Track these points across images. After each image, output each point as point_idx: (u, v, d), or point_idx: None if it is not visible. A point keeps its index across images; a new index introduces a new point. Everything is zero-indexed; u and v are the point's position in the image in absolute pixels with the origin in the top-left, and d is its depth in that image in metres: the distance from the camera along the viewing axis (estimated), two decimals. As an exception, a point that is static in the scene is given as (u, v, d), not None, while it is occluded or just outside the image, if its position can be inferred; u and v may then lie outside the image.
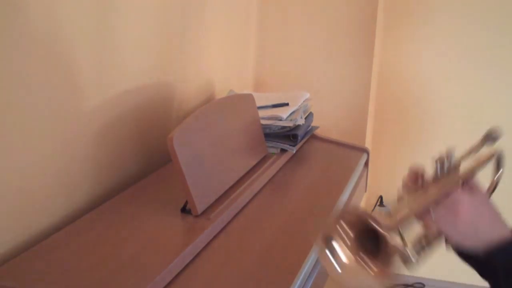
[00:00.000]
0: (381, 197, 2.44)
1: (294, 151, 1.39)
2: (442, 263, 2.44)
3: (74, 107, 0.97)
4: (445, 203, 0.77)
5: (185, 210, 0.98)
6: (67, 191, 0.97)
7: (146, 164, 1.22)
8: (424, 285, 2.49)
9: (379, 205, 2.44)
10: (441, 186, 0.78)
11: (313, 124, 1.57)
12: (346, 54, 1.96)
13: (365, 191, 1.58)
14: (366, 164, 1.55)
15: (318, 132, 1.60)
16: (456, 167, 0.82)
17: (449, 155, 0.82)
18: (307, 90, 1.64)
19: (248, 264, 0.87)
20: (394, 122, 2.32)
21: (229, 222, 1.00)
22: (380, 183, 2.40)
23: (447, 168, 0.81)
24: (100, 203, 1.01)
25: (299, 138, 1.40)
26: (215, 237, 0.94)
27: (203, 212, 0.97)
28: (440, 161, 0.81)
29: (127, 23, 1.11)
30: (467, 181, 0.82)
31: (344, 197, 1.24)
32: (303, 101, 1.53)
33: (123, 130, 1.13)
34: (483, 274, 0.76)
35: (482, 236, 0.75)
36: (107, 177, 1.09)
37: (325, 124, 1.72)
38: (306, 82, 1.99)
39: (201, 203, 0.97)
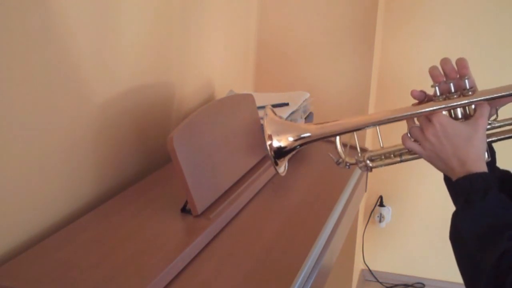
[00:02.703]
0: (381, 197, 2.44)
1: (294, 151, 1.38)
2: (442, 263, 2.44)
3: (74, 107, 0.97)
4: (422, 119, 0.83)
5: (185, 210, 0.98)
6: (67, 191, 0.97)
7: (146, 164, 1.22)
8: (424, 285, 2.49)
9: (379, 205, 2.44)
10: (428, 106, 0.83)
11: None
12: (346, 54, 1.96)
13: (365, 191, 1.58)
14: (366, 164, 1.55)
15: (318, 132, 1.60)
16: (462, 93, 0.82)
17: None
18: (307, 90, 1.64)
19: (248, 264, 0.87)
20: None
21: (229, 222, 1.00)
22: (380, 183, 2.40)
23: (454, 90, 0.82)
24: (100, 203, 1.01)
25: (299, 138, 1.40)
26: (215, 237, 0.94)
27: (203, 212, 0.97)
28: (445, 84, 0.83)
29: (127, 23, 1.11)
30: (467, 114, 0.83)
31: (344, 197, 1.24)
32: (303, 101, 1.53)
33: (123, 130, 1.13)
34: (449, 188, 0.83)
35: (448, 162, 0.81)
36: (107, 177, 1.09)
37: (325, 124, 1.72)
38: (306, 82, 1.99)
39: (201, 203, 0.97)
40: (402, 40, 2.20)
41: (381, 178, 2.38)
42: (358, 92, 1.97)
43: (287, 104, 1.47)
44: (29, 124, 0.86)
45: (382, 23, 2.14)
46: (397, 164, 0.93)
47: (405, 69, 2.21)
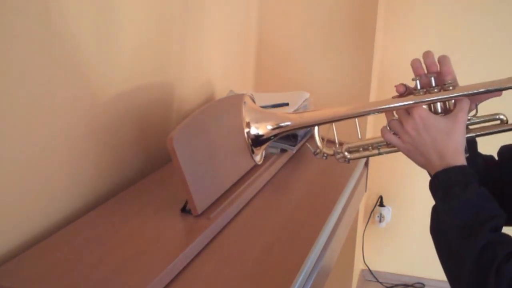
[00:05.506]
0: (381, 197, 2.44)
1: (294, 151, 1.39)
2: (442, 263, 2.44)
3: (74, 107, 0.97)
4: (401, 112, 0.83)
5: (185, 210, 0.98)
6: (67, 191, 0.97)
7: (146, 164, 1.22)
8: (424, 285, 2.49)
9: (379, 205, 2.44)
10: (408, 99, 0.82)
11: (313, 124, 1.57)
12: (346, 54, 1.96)
13: (365, 191, 1.58)
14: (366, 164, 1.55)
15: (318, 132, 1.60)
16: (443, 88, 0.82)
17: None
18: (307, 90, 1.64)
19: (248, 264, 0.87)
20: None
21: (229, 222, 1.00)
22: (380, 183, 2.40)
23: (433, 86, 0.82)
24: (100, 203, 1.01)
25: (299, 138, 1.40)
26: (215, 237, 0.94)
27: (203, 212, 0.97)
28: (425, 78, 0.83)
29: (127, 23, 1.11)
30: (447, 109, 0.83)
31: (344, 197, 1.24)
32: (303, 101, 1.53)
33: (123, 130, 1.13)
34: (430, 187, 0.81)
35: (427, 156, 0.80)
36: (107, 177, 1.09)
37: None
38: (306, 82, 1.99)
39: (201, 203, 0.97)
40: (402, 40, 2.20)
41: (381, 178, 2.38)
42: (358, 92, 1.97)
43: (287, 104, 1.47)
44: (29, 124, 0.86)
45: (382, 23, 2.14)
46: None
47: (405, 69, 2.20)
